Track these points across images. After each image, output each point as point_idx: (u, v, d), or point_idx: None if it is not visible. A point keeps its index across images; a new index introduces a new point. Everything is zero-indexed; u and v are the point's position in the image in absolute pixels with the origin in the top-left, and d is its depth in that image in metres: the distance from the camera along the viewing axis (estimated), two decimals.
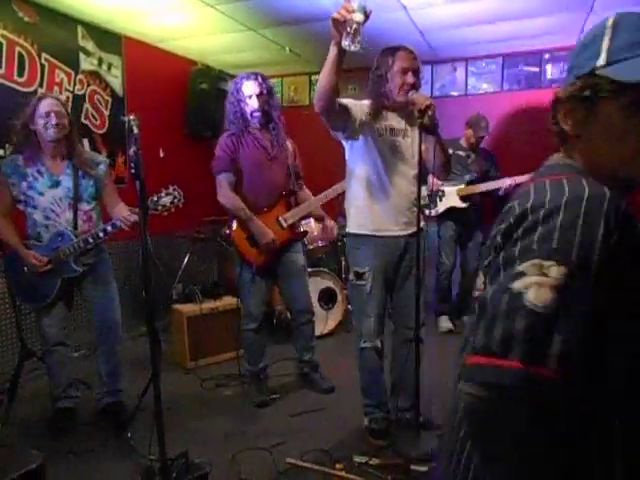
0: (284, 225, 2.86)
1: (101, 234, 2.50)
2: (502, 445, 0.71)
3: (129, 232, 2.56)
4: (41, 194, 2.50)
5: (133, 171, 1.90)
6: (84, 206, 2.58)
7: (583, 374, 0.68)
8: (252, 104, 2.75)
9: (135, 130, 2.01)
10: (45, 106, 2.42)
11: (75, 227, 2.55)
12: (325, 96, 2.07)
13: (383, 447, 2.37)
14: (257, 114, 2.77)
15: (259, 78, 2.78)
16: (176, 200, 2.34)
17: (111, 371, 2.71)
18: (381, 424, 2.45)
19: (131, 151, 1.90)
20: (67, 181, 2.54)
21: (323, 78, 2.03)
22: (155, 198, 2.32)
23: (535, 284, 0.68)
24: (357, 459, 2.24)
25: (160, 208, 2.33)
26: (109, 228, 2.49)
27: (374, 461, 2.21)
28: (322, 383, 3.06)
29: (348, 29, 1.78)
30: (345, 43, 1.82)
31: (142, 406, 2.43)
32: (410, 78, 2.21)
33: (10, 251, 2.58)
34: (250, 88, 2.75)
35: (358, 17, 1.76)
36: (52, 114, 2.42)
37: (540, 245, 0.70)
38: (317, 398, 2.96)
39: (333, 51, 1.94)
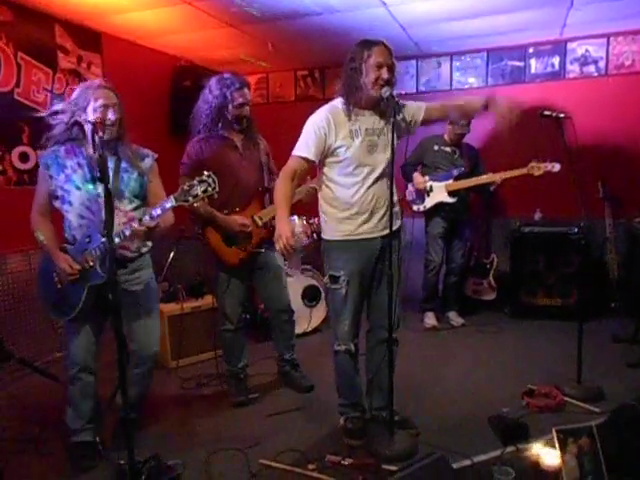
0: (259, 223, 2.84)
1: (121, 236, 2.12)
2: None
3: None
4: (78, 188, 2.20)
5: (99, 175, 1.88)
6: (124, 205, 2.24)
7: None
8: (243, 112, 2.76)
9: (100, 133, 2.00)
10: (101, 98, 2.16)
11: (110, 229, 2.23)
12: None
13: (357, 447, 2.38)
14: (243, 120, 2.79)
15: (248, 85, 2.81)
16: (210, 188, 2.02)
17: (138, 394, 2.43)
18: (356, 424, 2.46)
19: (96, 155, 1.89)
20: (109, 175, 2.13)
21: None
22: (186, 187, 2.03)
23: None
24: (330, 459, 2.25)
25: (191, 200, 2.03)
26: (127, 232, 2.12)
27: (347, 461, 2.22)
28: (302, 382, 3.07)
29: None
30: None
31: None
32: (385, 74, 2.20)
33: (43, 255, 2.31)
34: (245, 97, 2.74)
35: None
36: (109, 109, 2.16)
37: None
38: (295, 397, 2.97)
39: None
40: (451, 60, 4.84)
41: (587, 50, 4.41)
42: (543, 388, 2.80)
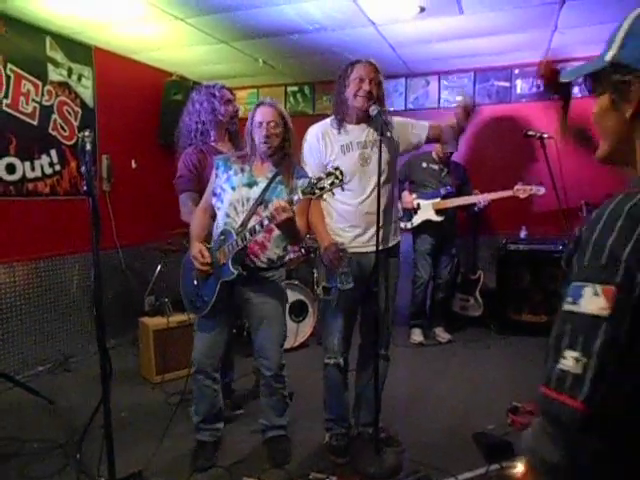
0: None
1: (257, 227, 2.14)
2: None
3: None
4: (233, 189, 2.30)
5: (85, 188, 1.88)
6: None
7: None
8: (235, 107, 2.85)
9: (88, 147, 1.99)
10: (259, 115, 2.28)
11: (242, 227, 2.25)
12: None
13: (342, 464, 2.37)
14: (236, 119, 2.85)
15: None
16: (337, 181, 1.98)
17: (271, 405, 2.52)
18: (341, 441, 2.45)
19: (83, 168, 1.88)
20: (264, 183, 2.31)
21: None
22: (314, 180, 2.00)
23: None
24: (314, 476, 2.23)
25: (317, 192, 2.00)
26: (265, 221, 2.11)
27: (331, 478, 2.21)
28: None
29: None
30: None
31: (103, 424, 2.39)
32: (366, 85, 2.26)
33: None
34: (228, 94, 2.83)
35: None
36: (263, 125, 2.27)
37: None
38: None
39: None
40: (439, 79, 4.93)
41: None
42: (528, 405, 2.81)
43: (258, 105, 2.33)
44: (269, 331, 2.39)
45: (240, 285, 2.31)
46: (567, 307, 0.69)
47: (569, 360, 0.66)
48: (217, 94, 2.76)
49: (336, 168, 2.00)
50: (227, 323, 2.44)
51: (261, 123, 2.27)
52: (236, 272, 2.21)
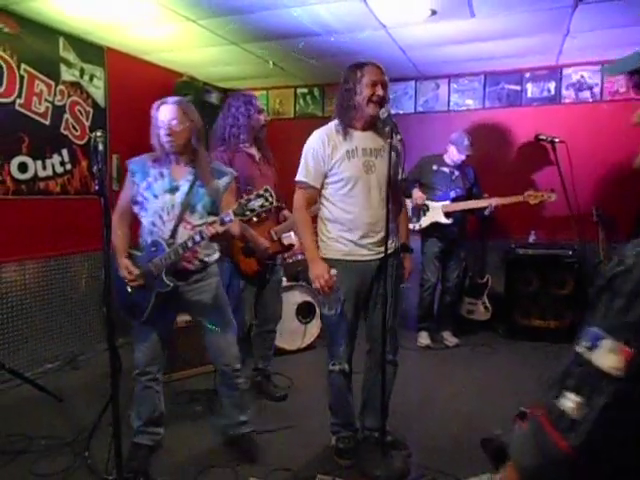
0: (275, 237, 3.01)
1: (189, 243, 2.16)
2: None
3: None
4: (155, 197, 2.28)
5: (97, 188, 1.90)
6: (194, 219, 2.27)
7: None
8: (265, 117, 3.06)
9: (100, 147, 2.01)
10: (162, 114, 2.27)
11: (172, 238, 2.24)
12: None
13: (348, 466, 2.36)
14: (265, 128, 3.05)
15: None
16: (267, 203, 2.02)
17: (234, 403, 2.51)
18: (347, 443, 2.44)
19: (95, 168, 1.90)
20: (186, 187, 2.29)
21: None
22: (244, 201, 2.03)
23: None
24: (320, 478, 2.23)
25: (248, 214, 2.04)
26: (197, 237, 2.15)
27: None
28: (274, 392, 3.17)
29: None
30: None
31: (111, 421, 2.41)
32: (379, 90, 2.24)
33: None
34: (262, 104, 3.05)
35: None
36: (165, 124, 2.25)
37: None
38: (287, 415, 2.94)
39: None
40: (449, 82, 4.91)
41: (582, 76, 4.49)
42: (535, 410, 2.78)
43: (160, 105, 2.31)
44: (212, 326, 2.38)
45: (174, 290, 2.28)
46: (582, 350, 0.67)
47: (572, 403, 0.66)
48: (253, 102, 2.96)
49: (266, 190, 2.02)
50: (165, 328, 2.41)
51: (163, 122, 2.26)
52: (171, 284, 2.21)
